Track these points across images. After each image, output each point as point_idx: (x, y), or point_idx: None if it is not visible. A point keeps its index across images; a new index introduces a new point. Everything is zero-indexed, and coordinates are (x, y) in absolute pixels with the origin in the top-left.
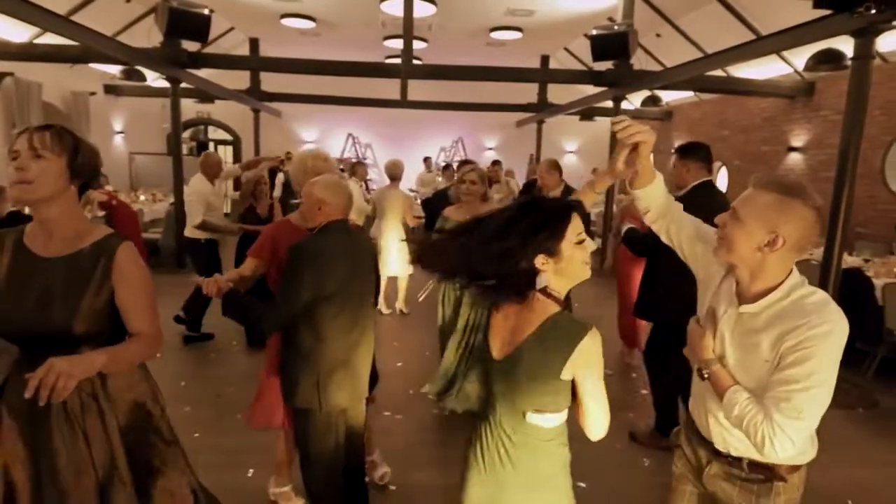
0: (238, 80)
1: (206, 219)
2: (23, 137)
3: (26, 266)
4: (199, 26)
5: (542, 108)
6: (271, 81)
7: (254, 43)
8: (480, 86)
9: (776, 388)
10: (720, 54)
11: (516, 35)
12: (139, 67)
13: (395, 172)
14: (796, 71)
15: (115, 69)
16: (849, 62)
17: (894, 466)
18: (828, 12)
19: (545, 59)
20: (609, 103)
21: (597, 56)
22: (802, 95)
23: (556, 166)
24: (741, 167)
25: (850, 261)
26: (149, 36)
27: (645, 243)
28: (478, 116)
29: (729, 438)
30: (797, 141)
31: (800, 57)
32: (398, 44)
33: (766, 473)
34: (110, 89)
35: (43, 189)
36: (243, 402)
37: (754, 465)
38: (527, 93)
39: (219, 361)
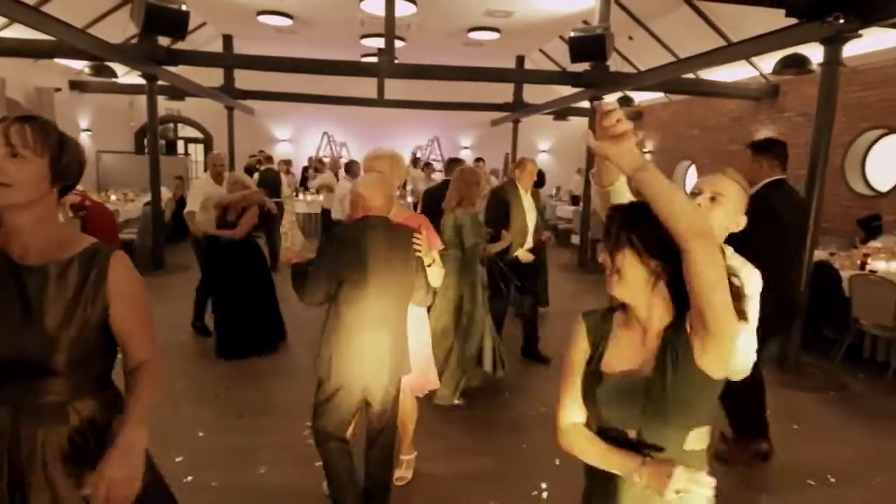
0: (210, 77)
1: (192, 210)
2: None
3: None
4: (176, 22)
5: (518, 108)
6: (244, 79)
7: (227, 39)
8: (456, 85)
9: None
10: (696, 58)
11: (494, 35)
12: (110, 63)
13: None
14: (762, 74)
15: (80, 64)
16: (814, 67)
17: (868, 444)
18: (796, 21)
19: (520, 60)
20: (586, 104)
21: (575, 57)
22: (767, 97)
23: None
24: (710, 165)
25: (817, 255)
26: (124, 30)
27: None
28: (453, 115)
29: None
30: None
31: (766, 61)
32: (375, 42)
33: None
34: (76, 85)
35: (21, 194)
36: (243, 403)
37: None
38: (502, 92)
39: (212, 363)
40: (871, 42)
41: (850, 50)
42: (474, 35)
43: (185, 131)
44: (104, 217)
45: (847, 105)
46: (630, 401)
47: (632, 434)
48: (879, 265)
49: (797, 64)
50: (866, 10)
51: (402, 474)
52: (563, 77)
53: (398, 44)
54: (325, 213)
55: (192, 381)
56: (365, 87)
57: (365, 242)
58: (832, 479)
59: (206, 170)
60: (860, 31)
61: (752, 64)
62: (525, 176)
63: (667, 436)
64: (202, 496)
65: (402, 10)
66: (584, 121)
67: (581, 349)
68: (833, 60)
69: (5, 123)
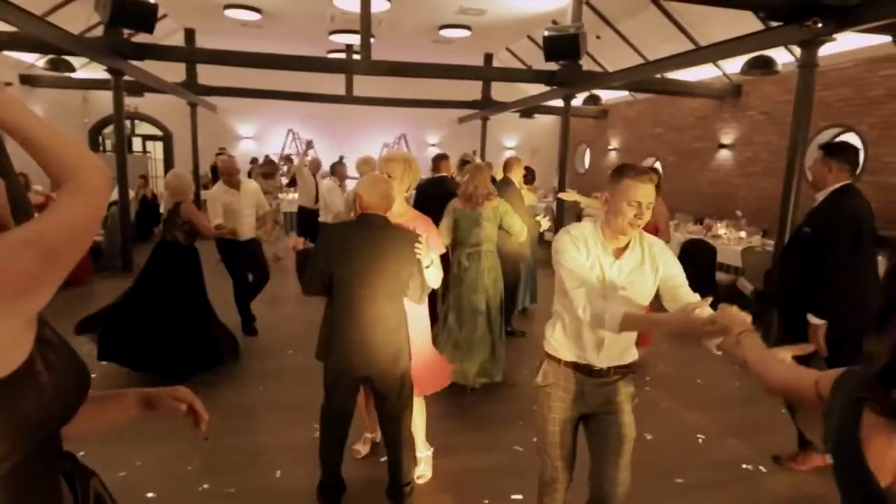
0: (168, 72)
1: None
2: None
3: None
4: (144, 15)
5: (488, 106)
6: (206, 74)
7: (189, 34)
8: (424, 82)
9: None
10: (670, 59)
11: (465, 33)
12: (66, 57)
13: (366, 170)
14: (725, 74)
15: (32, 58)
16: (779, 67)
17: None
18: (763, 25)
19: (489, 58)
20: (559, 102)
21: (549, 56)
22: (731, 97)
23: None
24: (675, 163)
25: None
26: (84, 22)
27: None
28: (420, 112)
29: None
30: (726, 138)
31: (729, 62)
32: (344, 38)
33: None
34: (27, 80)
35: None
36: (244, 405)
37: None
38: (470, 90)
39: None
40: (830, 45)
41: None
42: (445, 32)
43: (142, 128)
44: None
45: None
46: None
47: None
48: None
49: (763, 65)
50: (840, 15)
51: (422, 472)
52: (538, 75)
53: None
54: (302, 210)
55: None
56: (332, 83)
57: (357, 240)
58: None
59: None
60: (834, 35)
61: (716, 64)
62: (516, 172)
63: None
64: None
65: (376, 6)
66: (550, 118)
67: None
68: (809, 62)
69: None
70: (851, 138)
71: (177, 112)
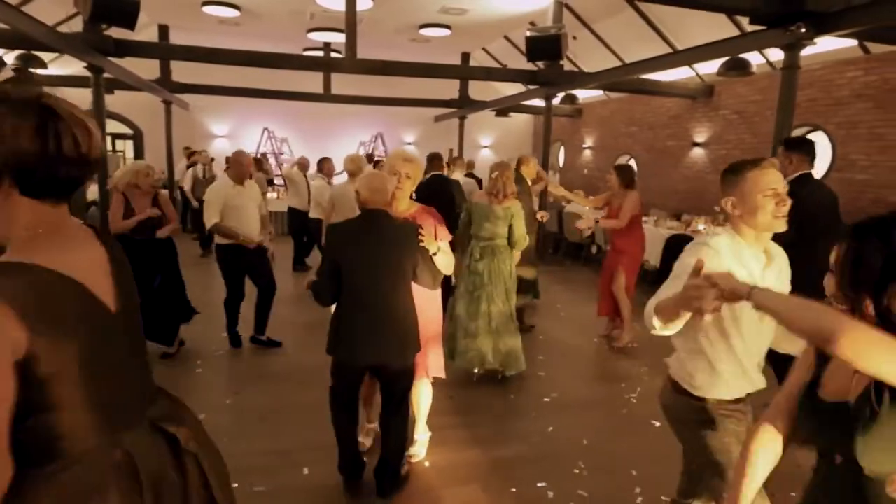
0: (142, 69)
1: (216, 220)
2: None
3: None
4: (127, 11)
5: (466, 105)
6: (179, 71)
7: (163, 30)
8: (401, 80)
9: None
10: (652, 60)
11: (445, 32)
12: (37, 53)
13: (353, 168)
14: (698, 75)
15: None
16: (753, 69)
17: None
18: (732, 28)
19: (465, 57)
20: (538, 101)
21: (531, 56)
22: (703, 96)
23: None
24: (650, 160)
25: None
26: (57, 16)
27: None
28: (397, 111)
29: None
30: (700, 137)
31: (702, 63)
32: (322, 36)
33: None
34: None
35: None
36: (262, 408)
37: None
38: (446, 89)
39: (209, 369)
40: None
41: (777, 55)
42: (425, 31)
43: (111, 126)
44: None
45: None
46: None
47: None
48: None
49: (739, 66)
50: (821, 21)
51: (415, 451)
52: (521, 75)
53: (344, 38)
54: (292, 211)
55: (192, 390)
56: (309, 81)
57: (360, 234)
58: None
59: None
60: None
61: (690, 66)
62: (529, 170)
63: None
64: (254, 502)
65: (360, 4)
66: (525, 117)
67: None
68: (792, 64)
69: None
70: (819, 137)
71: (147, 110)
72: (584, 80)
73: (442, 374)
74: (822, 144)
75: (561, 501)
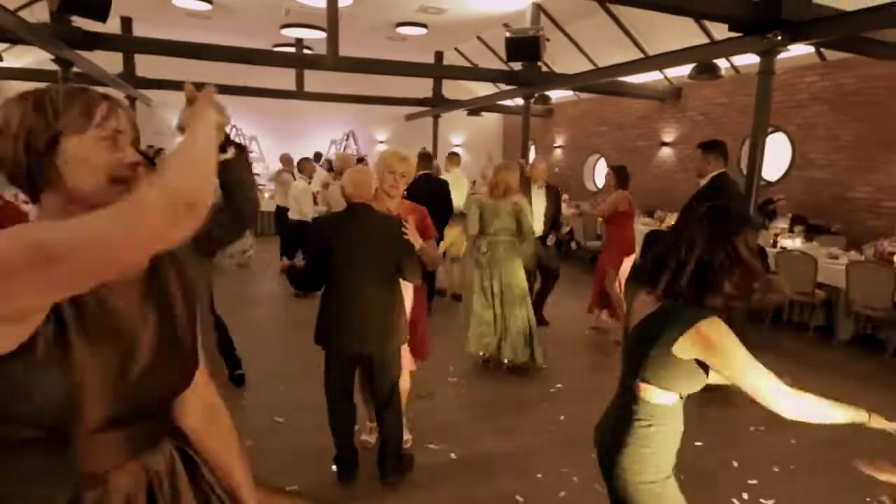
0: (103, 63)
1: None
2: (119, 112)
3: None
4: (99, 2)
5: (440, 103)
6: (141, 66)
7: (126, 22)
8: (375, 79)
9: None
10: (630, 63)
11: (421, 31)
12: None
13: (341, 166)
14: (666, 77)
15: None
16: (722, 73)
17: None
18: (700, 33)
19: (439, 56)
20: (511, 101)
21: (511, 56)
22: (671, 98)
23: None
24: (620, 159)
25: None
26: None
27: None
28: (368, 109)
29: None
30: (668, 137)
31: (671, 67)
32: (295, 32)
33: None
34: None
35: None
36: (273, 407)
37: None
38: (418, 87)
39: None
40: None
41: (742, 60)
42: (402, 30)
43: None
44: (19, 218)
45: (742, 107)
46: None
47: None
48: (787, 243)
49: (709, 70)
50: (794, 30)
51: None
52: (501, 75)
53: (319, 35)
54: (280, 210)
55: None
56: (280, 78)
57: (344, 227)
58: None
59: None
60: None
61: (662, 69)
62: (538, 172)
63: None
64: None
65: (340, 1)
66: (496, 116)
67: None
68: (767, 69)
69: (117, 103)
70: (780, 138)
71: None
72: (563, 81)
73: (412, 367)
74: (784, 144)
75: (586, 484)
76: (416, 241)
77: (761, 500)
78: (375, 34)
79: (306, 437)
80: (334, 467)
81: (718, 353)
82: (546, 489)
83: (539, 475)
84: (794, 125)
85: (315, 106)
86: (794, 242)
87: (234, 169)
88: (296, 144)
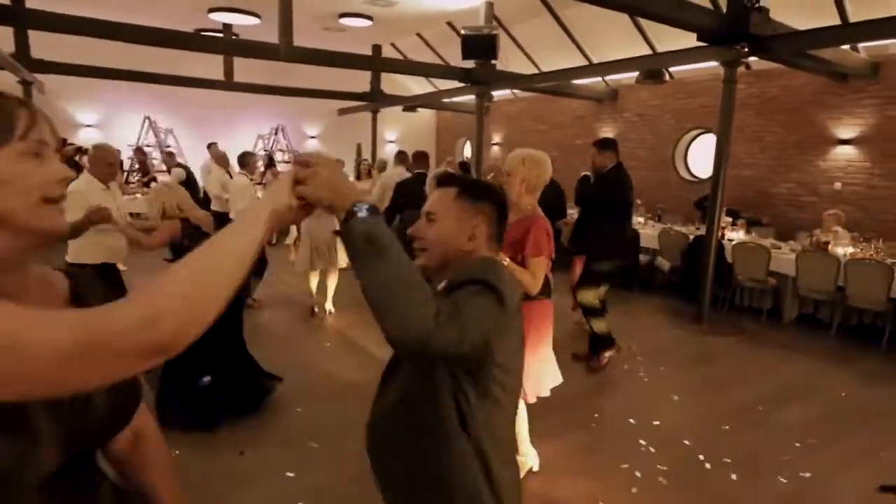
0: None
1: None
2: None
3: None
4: None
5: (377, 98)
6: (40, 46)
7: None
8: (306, 71)
9: None
10: (575, 69)
11: (366, 23)
12: None
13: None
14: (604, 80)
15: None
16: (666, 78)
17: (779, 374)
18: (642, 43)
19: (377, 50)
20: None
21: (466, 54)
22: (609, 99)
23: None
24: (559, 157)
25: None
26: None
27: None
28: (297, 103)
29: None
30: (605, 136)
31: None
32: (224, 17)
33: None
34: None
35: None
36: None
37: None
38: (353, 81)
39: None
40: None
41: (676, 66)
42: (345, 21)
43: None
44: None
45: (675, 110)
46: None
47: None
48: (732, 235)
49: (655, 75)
50: (758, 44)
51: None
52: (455, 73)
53: (251, 21)
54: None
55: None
56: (201, 66)
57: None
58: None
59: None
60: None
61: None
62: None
63: None
64: None
65: None
66: (429, 112)
67: None
68: (731, 78)
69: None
70: (711, 139)
71: None
72: (517, 80)
73: (544, 393)
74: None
75: (649, 479)
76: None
77: (801, 475)
78: (312, 24)
79: None
80: None
81: None
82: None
83: (601, 477)
84: None
85: (240, 98)
86: (738, 234)
87: None
88: (218, 139)
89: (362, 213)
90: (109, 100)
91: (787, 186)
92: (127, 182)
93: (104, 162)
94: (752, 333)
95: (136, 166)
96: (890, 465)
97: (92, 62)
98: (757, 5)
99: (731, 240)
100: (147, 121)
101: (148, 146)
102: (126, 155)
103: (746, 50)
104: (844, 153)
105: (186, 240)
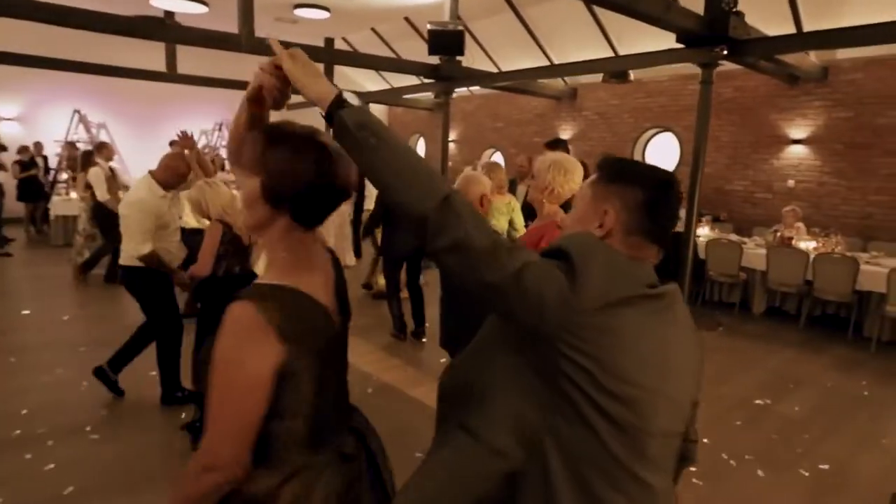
0: None
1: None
2: None
3: None
4: None
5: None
6: None
7: None
8: (254, 63)
9: None
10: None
11: (323, 15)
12: None
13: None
14: (562, 79)
15: None
16: (631, 78)
17: (765, 365)
18: (604, 45)
19: (329, 43)
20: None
21: (433, 50)
22: (567, 98)
23: None
24: (517, 154)
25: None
26: None
27: None
28: (238, 96)
29: None
30: (565, 134)
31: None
32: (165, 4)
33: None
34: None
35: None
36: None
37: None
38: None
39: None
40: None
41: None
42: (301, 12)
43: None
44: None
45: (634, 109)
46: None
47: None
48: (700, 231)
49: (620, 76)
50: (736, 46)
51: None
52: (423, 68)
53: (201, 10)
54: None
55: None
56: (138, 55)
57: None
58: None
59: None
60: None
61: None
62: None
63: None
64: None
65: None
66: (380, 108)
67: None
68: (708, 80)
69: None
70: (669, 137)
71: None
72: (484, 77)
73: None
74: (672, 144)
75: (684, 479)
76: None
77: (820, 467)
78: (263, 14)
79: None
80: None
81: None
82: None
83: None
84: (681, 127)
85: (179, 91)
86: (705, 231)
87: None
88: (155, 134)
89: (354, 101)
90: (32, 91)
91: (743, 184)
92: (54, 181)
93: (177, 172)
94: (729, 327)
95: (65, 163)
96: (893, 452)
97: (11, 49)
98: (734, 9)
99: (698, 236)
100: (77, 114)
101: (79, 142)
102: (53, 151)
103: (725, 53)
104: (796, 152)
105: (223, 248)
